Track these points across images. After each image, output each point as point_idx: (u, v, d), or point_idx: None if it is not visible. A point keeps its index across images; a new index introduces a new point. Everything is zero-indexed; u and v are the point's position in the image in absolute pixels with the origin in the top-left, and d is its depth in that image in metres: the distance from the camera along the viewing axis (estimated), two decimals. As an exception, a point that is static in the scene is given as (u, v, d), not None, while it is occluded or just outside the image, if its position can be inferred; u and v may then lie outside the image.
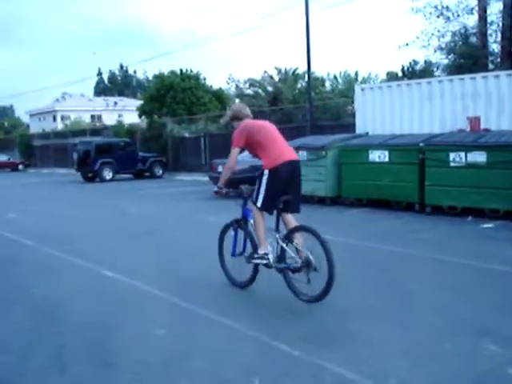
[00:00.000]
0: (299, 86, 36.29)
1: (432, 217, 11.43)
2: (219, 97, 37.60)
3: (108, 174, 26.90)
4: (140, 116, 37.82)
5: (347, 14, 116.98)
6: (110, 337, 4.97)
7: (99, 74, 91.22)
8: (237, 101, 35.44)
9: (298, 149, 13.75)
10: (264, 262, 5.86)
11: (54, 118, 66.96)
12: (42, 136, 48.42)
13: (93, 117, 66.15)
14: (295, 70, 37.83)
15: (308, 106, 22.23)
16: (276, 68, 38.06)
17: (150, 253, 8.70)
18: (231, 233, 6.43)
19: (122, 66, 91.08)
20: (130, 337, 4.98)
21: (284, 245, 5.76)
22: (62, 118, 64.03)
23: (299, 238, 5.70)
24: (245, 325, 5.08)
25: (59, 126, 60.17)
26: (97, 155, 26.57)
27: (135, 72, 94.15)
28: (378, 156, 12.74)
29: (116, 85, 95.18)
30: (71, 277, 7.35)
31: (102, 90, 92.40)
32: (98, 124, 53.97)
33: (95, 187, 23.95)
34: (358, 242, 8.28)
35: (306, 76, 24.46)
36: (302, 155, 14.03)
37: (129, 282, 6.84)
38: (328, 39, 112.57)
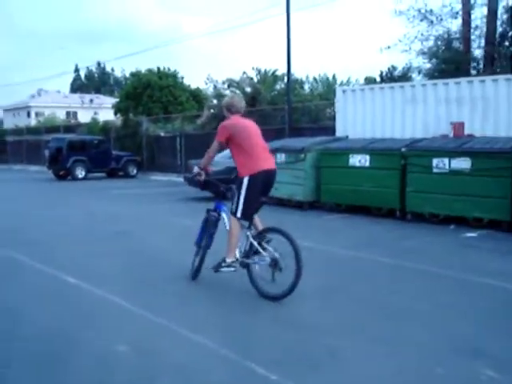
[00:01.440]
0: (278, 87, 35.87)
1: (413, 224, 11.06)
2: (196, 96, 37.02)
3: (80, 172, 26.11)
4: (115, 114, 37.05)
5: (326, 16, 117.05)
6: (65, 352, 4.45)
7: (76, 70, 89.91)
8: (214, 101, 34.89)
9: (275, 151, 13.31)
10: (232, 269, 6.02)
11: (29, 114, 65.53)
12: (15, 132, 47.22)
13: (68, 114, 64.79)
14: (274, 72, 37.42)
15: (287, 108, 21.75)
16: (255, 69, 37.63)
17: (117, 258, 8.15)
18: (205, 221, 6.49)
19: (99, 64, 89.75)
20: (89, 353, 4.46)
21: (255, 243, 5.88)
22: (37, 115, 62.51)
23: (266, 239, 5.92)
24: (216, 341, 4.61)
25: (33, 122, 58.80)
26: (69, 152, 25.77)
27: (113, 70, 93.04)
28: (358, 160, 12.33)
29: (93, 82, 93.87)
30: (29, 282, 6.79)
31: (78, 86, 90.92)
32: (72, 121, 52.89)
33: (67, 185, 23.23)
34: (339, 250, 7.84)
35: (286, 77, 24.03)
36: (281, 157, 13.60)
37: (92, 289, 6.31)
38: (308, 41, 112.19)
